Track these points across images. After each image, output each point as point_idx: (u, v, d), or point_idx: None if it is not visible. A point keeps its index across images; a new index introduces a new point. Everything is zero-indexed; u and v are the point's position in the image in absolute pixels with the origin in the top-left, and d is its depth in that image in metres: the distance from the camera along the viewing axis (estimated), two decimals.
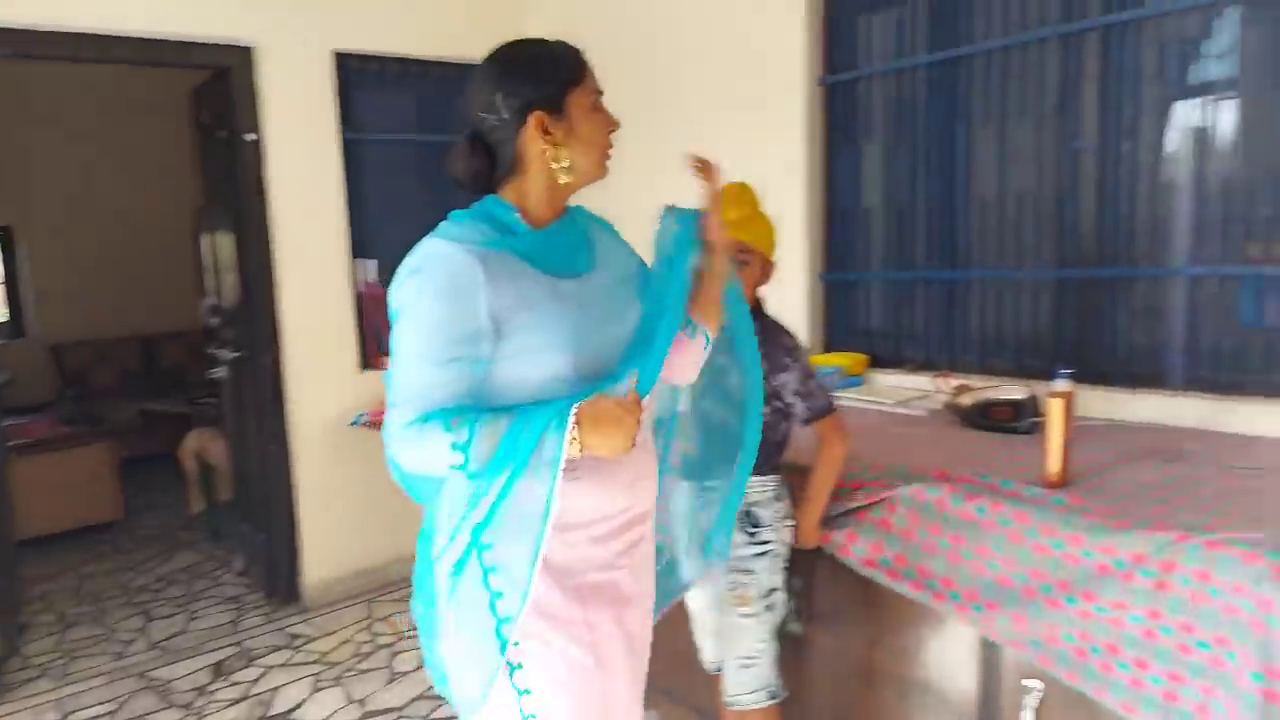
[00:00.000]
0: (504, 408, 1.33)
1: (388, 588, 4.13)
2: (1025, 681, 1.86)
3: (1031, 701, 1.84)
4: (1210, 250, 2.39)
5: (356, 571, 4.11)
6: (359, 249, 4.06)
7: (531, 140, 1.41)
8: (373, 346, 4.07)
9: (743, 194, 2.04)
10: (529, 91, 1.40)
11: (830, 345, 3.35)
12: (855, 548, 2.09)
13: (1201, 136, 2.41)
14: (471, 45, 4.22)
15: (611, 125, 1.47)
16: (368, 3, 3.95)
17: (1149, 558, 1.61)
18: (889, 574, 2.03)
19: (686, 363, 1.62)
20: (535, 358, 1.36)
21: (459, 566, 1.39)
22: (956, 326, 3.02)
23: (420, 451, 1.31)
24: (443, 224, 1.41)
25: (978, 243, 2.93)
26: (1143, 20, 2.46)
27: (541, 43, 1.46)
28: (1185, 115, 2.44)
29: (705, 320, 1.60)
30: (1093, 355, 2.65)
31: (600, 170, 1.48)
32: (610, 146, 1.48)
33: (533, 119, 1.40)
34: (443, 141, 4.28)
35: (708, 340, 1.62)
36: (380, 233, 4.14)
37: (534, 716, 1.40)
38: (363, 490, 4.04)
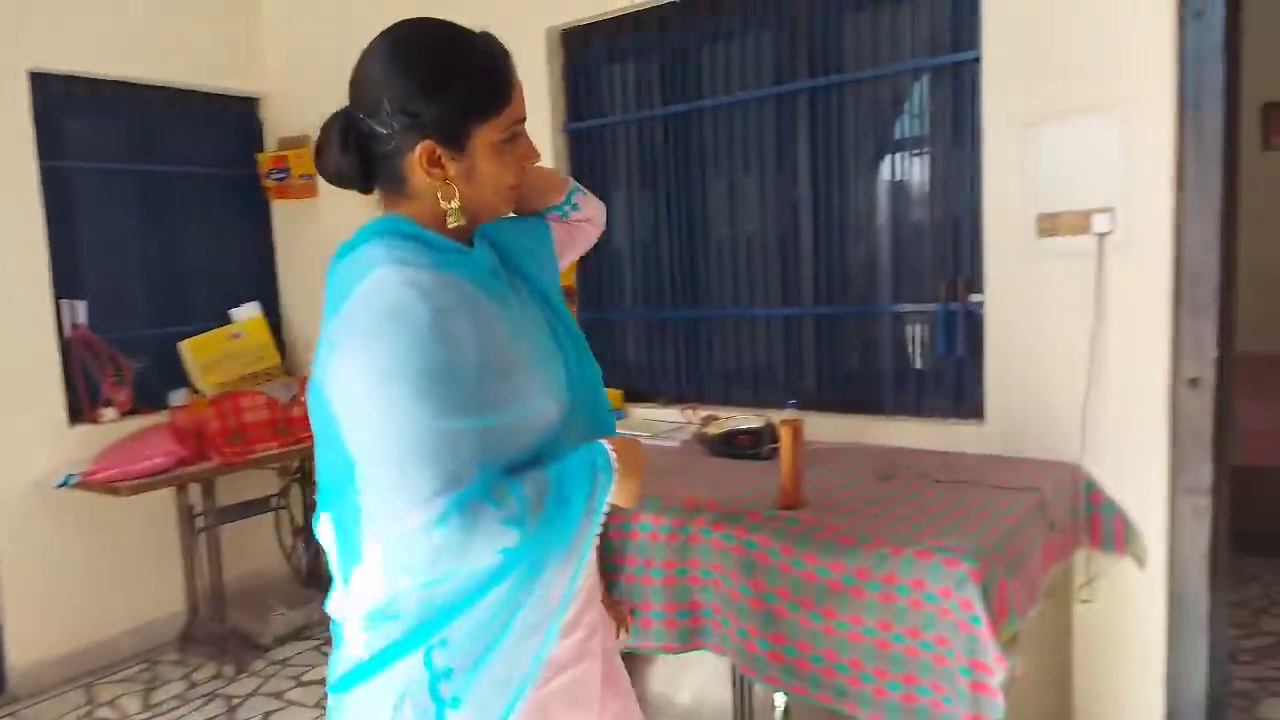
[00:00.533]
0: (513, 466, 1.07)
1: (115, 666, 3.67)
2: (776, 696, 2.00)
3: (779, 715, 1.99)
4: (910, 289, 2.73)
5: (76, 651, 3.62)
6: (66, 288, 3.61)
7: (416, 169, 1.11)
8: (85, 397, 3.64)
9: None
10: (425, 110, 1.08)
11: None
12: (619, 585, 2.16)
13: (900, 188, 2.75)
14: (197, 70, 3.93)
15: (529, 158, 1.19)
16: (74, 19, 3.56)
17: (871, 571, 1.79)
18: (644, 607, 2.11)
19: None
20: (534, 404, 1.10)
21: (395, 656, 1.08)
22: (702, 361, 3.21)
23: (465, 549, 1.00)
24: (372, 249, 1.08)
25: (717, 283, 3.14)
26: (845, 84, 2.78)
27: (461, 39, 1.12)
28: (887, 169, 2.78)
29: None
30: (821, 385, 2.92)
31: (502, 210, 1.20)
32: (519, 186, 1.19)
33: (421, 149, 1.09)
34: (167, 172, 3.94)
35: None
36: (93, 270, 3.71)
37: None
38: (77, 557, 3.58)
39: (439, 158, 1.10)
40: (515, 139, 1.16)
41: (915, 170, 2.73)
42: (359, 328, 1.03)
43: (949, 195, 2.64)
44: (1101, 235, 2.28)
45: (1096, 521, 2.32)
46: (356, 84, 1.12)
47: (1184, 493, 2.28)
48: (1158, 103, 2.20)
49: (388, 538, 1.02)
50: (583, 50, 3.34)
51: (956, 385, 2.64)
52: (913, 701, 1.73)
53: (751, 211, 3.04)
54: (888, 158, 2.78)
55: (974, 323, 2.57)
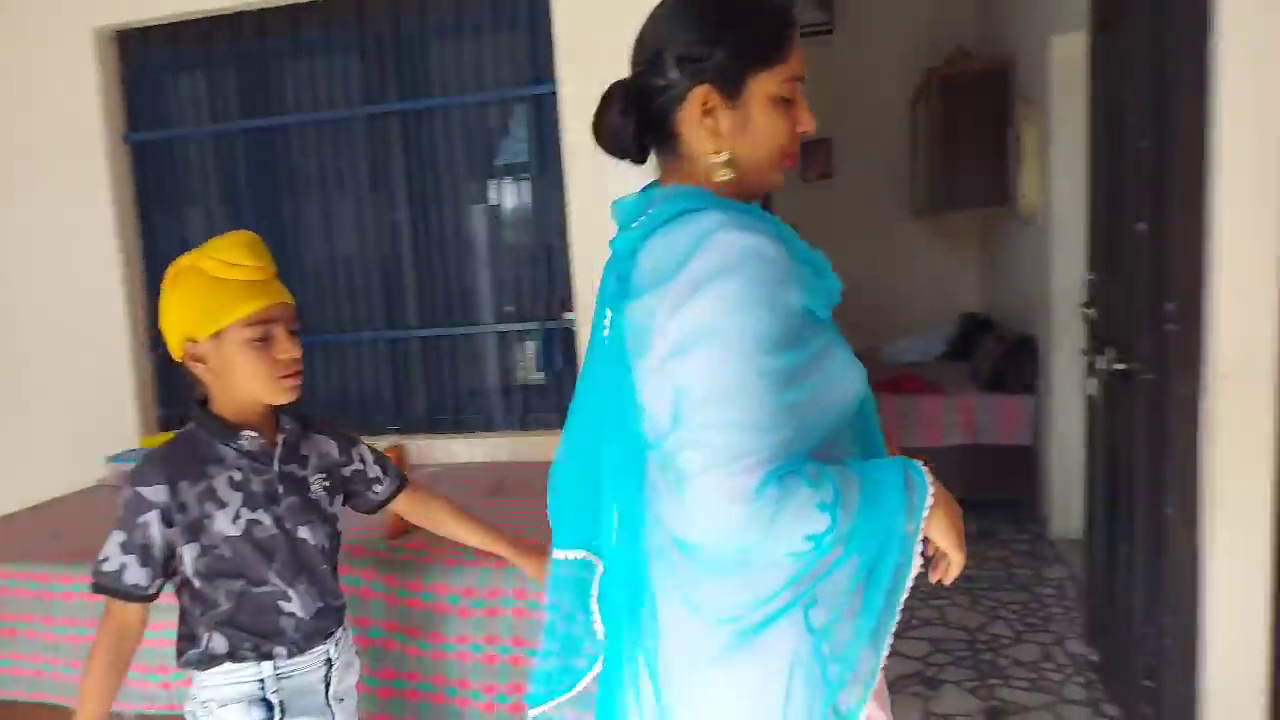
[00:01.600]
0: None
1: None
2: None
3: None
4: (512, 308, 2.83)
5: None
6: None
7: (691, 124, 1.08)
8: None
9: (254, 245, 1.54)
10: (703, 53, 1.05)
11: (170, 424, 3.08)
12: None
13: (498, 212, 2.84)
14: None
15: (805, 126, 1.11)
16: None
17: (477, 589, 1.82)
18: None
19: None
20: (840, 379, 1.06)
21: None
22: (306, 389, 3.02)
23: (776, 523, 0.94)
24: (706, 209, 1.02)
25: (315, 308, 2.99)
26: (435, 109, 2.80)
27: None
28: (485, 193, 2.85)
29: None
30: (429, 407, 2.91)
31: (771, 178, 1.13)
32: (793, 156, 1.12)
33: (694, 93, 1.06)
34: None
35: None
36: None
37: None
38: None
39: (712, 107, 1.06)
40: (793, 101, 1.10)
41: (512, 195, 2.84)
42: (679, 283, 0.98)
43: (543, 220, 2.78)
44: None
45: None
46: (640, 40, 1.10)
47: None
48: None
49: (692, 503, 0.96)
50: (142, 54, 2.99)
51: (559, 399, 2.79)
52: (521, 711, 1.78)
53: (349, 234, 2.94)
54: (486, 182, 2.85)
55: (570, 339, 2.73)
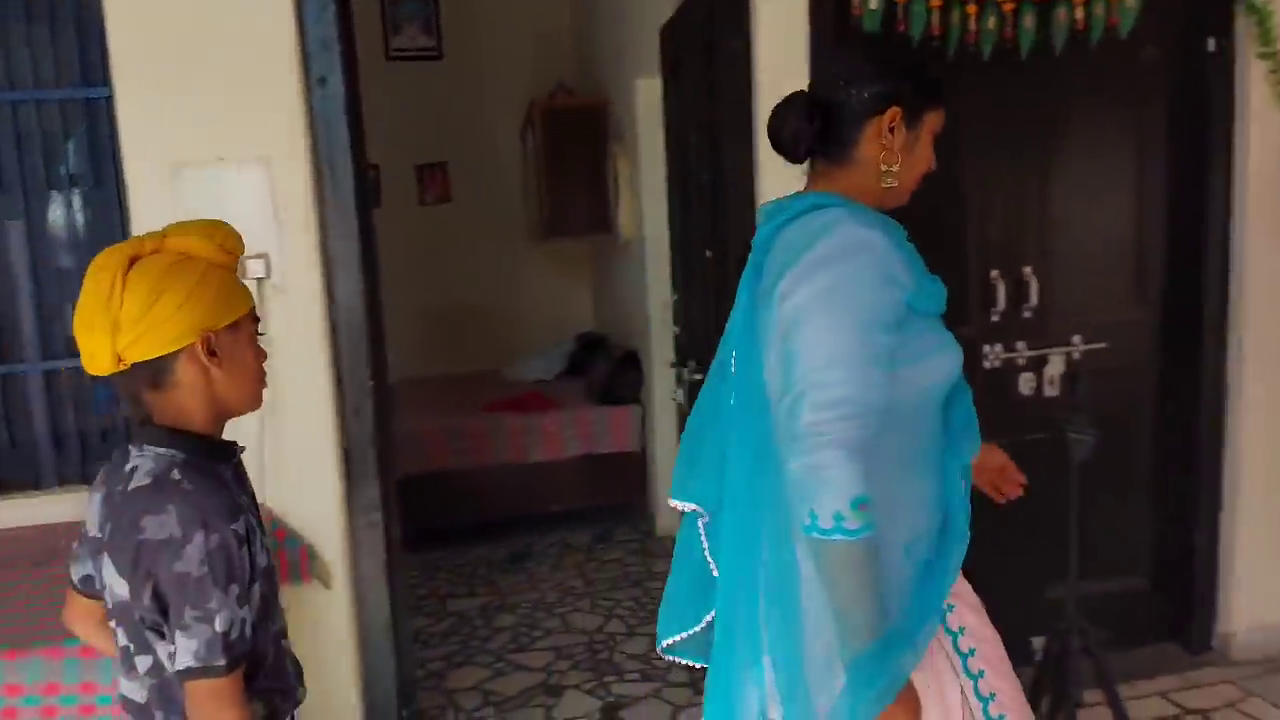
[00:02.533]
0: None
1: None
2: None
3: None
4: (59, 343, 2.44)
5: None
6: None
7: (873, 136, 1.34)
8: None
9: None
10: (899, 86, 1.34)
11: None
12: None
13: (44, 230, 2.44)
14: None
15: (930, 165, 1.40)
16: None
17: (25, 685, 1.53)
18: None
19: None
20: (934, 358, 1.29)
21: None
22: None
23: (834, 470, 1.16)
24: (833, 212, 1.28)
25: None
26: None
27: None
28: (29, 207, 2.43)
29: None
30: None
31: (904, 199, 1.39)
32: (916, 187, 1.40)
33: (890, 113, 1.33)
34: None
35: None
36: None
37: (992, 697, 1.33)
38: None
39: (896, 125, 1.32)
40: (934, 141, 1.38)
41: (61, 212, 2.45)
42: (831, 252, 1.22)
43: (99, 236, 2.43)
44: (259, 280, 2.37)
45: (283, 557, 2.40)
46: (838, 61, 1.44)
47: (359, 512, 2.52)
48: (295, 158, 2.37)
49: (794, 434, 1.19)
50: None
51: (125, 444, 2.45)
52: None
53: None
54: (28, 196, 2.43)
55: None
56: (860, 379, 1.17)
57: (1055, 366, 2.87)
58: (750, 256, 1.39)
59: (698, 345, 2.83)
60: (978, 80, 2.58)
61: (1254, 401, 2.86)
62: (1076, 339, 2.86)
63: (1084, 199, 2.83)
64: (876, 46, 2.20)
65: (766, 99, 2.27)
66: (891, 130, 1.33)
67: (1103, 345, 2.84)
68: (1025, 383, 2.87)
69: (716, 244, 2.62)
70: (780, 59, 2.45)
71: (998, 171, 2.77)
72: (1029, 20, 2.55)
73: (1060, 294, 2.83)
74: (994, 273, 2.79)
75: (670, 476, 1.46)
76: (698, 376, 2.75)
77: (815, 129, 1.33)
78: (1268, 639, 2.93)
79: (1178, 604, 3.01)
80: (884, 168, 1.33)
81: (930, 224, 1.76)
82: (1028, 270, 2.81)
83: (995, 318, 2.79)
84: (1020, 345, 2.85)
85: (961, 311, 2.71)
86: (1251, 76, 2.68)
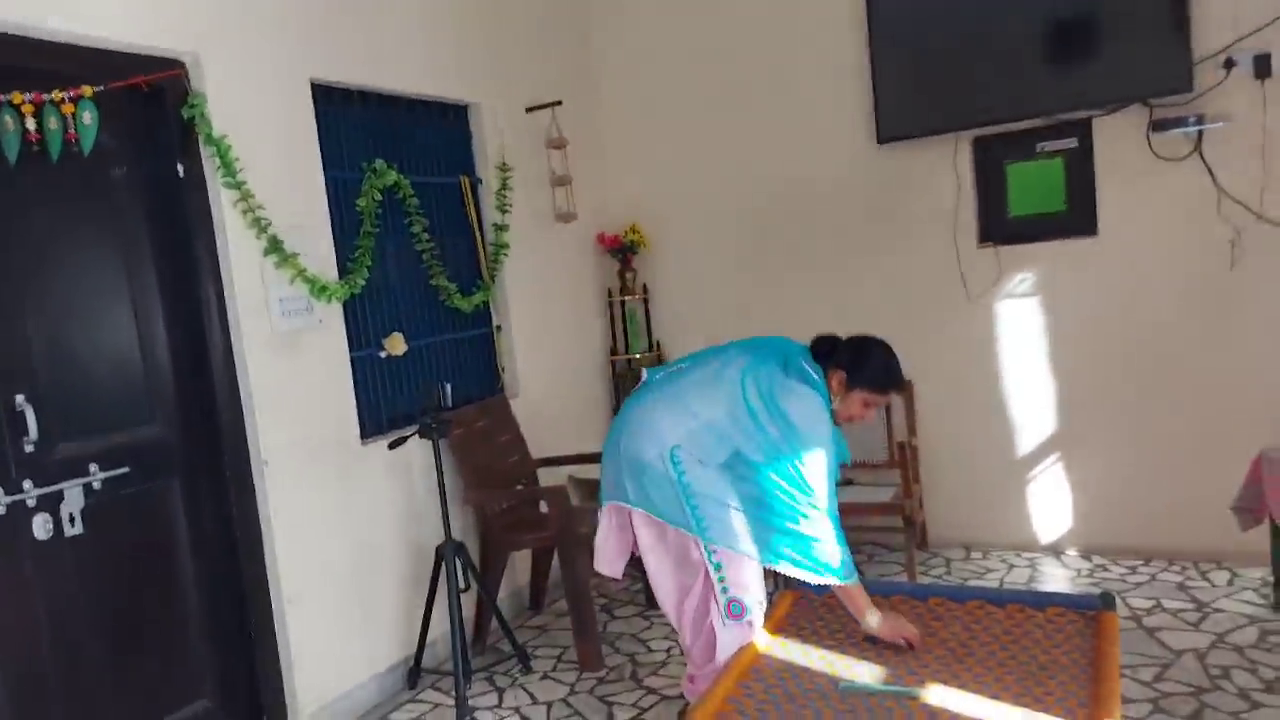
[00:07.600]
0: None
1: None
2: None
3: None
4: None
5: None
6: None
7: (835, 374, 2.45)
8: None
9: None
10: (859, 370, 2.45)
11: None
12: None
13: None
14: None
15: (864, 418, 2.51)
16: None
17: None
18: None
19: None
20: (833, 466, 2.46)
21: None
22: None
23: (822, 535, 2.30)
24: (811, 377, 2.43)
25: None
26: None
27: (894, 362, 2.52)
28: None
29: None
30: None
31: (840, 420, 2.49)
32: (854, 420, 2.51)
33: (839, 374, 2.45)
34: None
35: None
36: None
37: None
38: None
39: (841, 381, 2.45)
40: (869, 405, 2.48)
41: None
42: (791, 397, 2.39)
43: None
44: None
45: None
46: (820, 339, 2.54)
47: None
48: None
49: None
50: None
51: None
52: None
53: None
54: None
55: None
56: (826, 486, 2.39)
57: (75, 501, 2.59)
58: (764, 362, 2.50)
59: None
60: None
61: (279, 506, 2.99)
62: (94, 468, 2.62)
63: (80, 318, 2.64)
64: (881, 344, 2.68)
65: None
66: (841, 382, 2.47)
67: (125, 470, 2.67)
68: (41, 525, 2.51)
69: None
70: None
71: None
72: None
73: (65, 422, 2.57)
74: None
75: None
76: None
77: (832, 355, 2.53)
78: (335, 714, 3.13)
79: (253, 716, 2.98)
80: (833, 402, 2.49)
81: None
82: (20, 399, 2.48)
83: None
84: (28, 485, 2.48)
85: None
86: (224, 200, 2.86)
